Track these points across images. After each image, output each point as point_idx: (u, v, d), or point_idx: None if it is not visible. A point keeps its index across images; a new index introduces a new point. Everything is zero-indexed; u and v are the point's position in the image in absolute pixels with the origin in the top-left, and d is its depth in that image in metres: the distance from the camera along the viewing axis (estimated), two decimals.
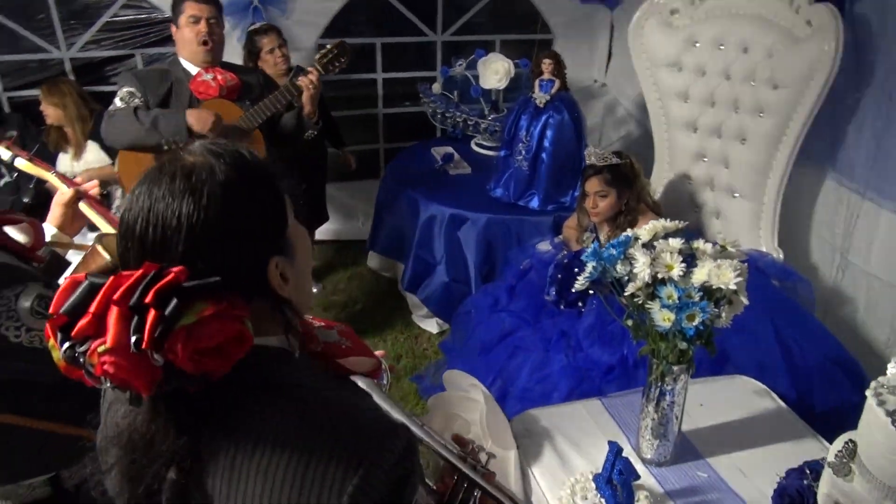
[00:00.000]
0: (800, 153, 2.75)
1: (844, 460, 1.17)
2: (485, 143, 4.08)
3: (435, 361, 3.30)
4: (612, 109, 4.63)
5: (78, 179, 2.59)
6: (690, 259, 1.55)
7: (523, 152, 3.36)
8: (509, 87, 3.97)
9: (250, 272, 0.78)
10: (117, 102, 2.55)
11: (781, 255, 2.84)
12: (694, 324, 1.47)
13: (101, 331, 0.67)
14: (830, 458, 1.20)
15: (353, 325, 1.06)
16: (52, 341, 0.69)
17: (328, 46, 2.86)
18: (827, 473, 1.21)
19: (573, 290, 1.65)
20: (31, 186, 3.20)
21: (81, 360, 0.67)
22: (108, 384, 0.68)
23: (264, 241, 0.79)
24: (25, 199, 3.17)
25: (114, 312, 0.67)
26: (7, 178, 3.21)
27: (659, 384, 1.64)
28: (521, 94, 3.74)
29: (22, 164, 1.77)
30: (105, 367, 0.66)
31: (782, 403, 1.97)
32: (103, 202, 1.73)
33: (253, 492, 0.73)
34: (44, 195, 3.20)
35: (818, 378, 2.28)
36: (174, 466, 0.75)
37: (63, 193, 1.64)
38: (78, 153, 3.45)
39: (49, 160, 3.09)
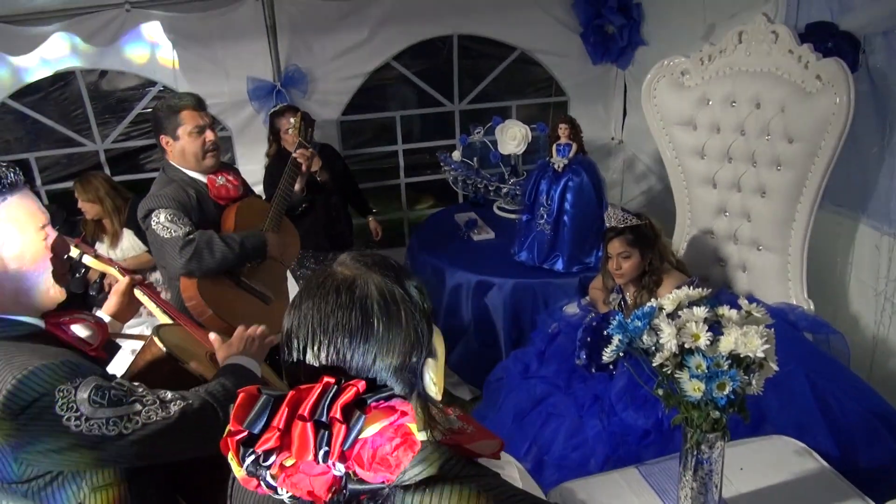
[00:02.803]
0: (829, 201, 2.75)
1: None
2: (507, 207, 4.14)
3: None
4: (631, 165, 4.68)
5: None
6: (716, 325, 1.56)
7: (545, 216, 3.40)
8: (527, 150, 4.06)
9: (412, 376, 0.82)
10: (170, 227, 2.33)
11: (812, 307, 2.81)
12: (724, 393, 1.46)
13: (285, 444, 0.70)
14: None
15: None
16: (230, 454, 0.71)
17: (293, 121, 2.98)
18: None
19: (603, 357, 1.65)
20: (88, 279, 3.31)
21: (262, 472, 0.70)
22: (287, 495, 0.71)
23: (421, 344, 0.83)
24: (92, 293, 3.32)
25: (299, 427, 0.70)
26: (77, 274, 3.35)
27: (695, 453, 1.62)
28: (539, 156, 3.81)
29: (89, 260, 1.86)
30: (290, 479, 0.69)
31: (825, 463, 1.92)
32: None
33: None
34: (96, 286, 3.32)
35: (861, 434, 2.23)
36: None
37: (120, 282, 1.75)
38: (114, 242, 3.58)
39: None
